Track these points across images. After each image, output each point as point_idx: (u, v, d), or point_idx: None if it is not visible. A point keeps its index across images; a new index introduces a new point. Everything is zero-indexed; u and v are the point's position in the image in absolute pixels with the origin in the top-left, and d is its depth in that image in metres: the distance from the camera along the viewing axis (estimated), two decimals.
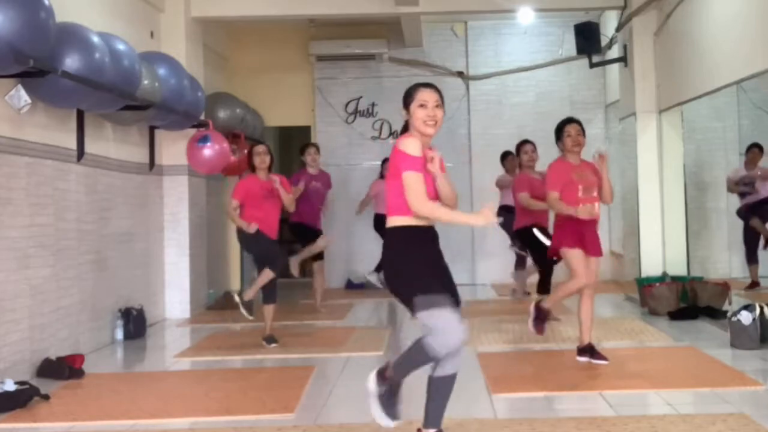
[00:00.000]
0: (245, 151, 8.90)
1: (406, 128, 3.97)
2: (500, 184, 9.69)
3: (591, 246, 6.02)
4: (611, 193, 6.09)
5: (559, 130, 6.17)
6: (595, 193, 6.02)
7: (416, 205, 3.73)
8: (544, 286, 7.90)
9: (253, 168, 7.17)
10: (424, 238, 3.85)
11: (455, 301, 3.77)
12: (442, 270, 3.86)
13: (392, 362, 3.91)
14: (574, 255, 6.01)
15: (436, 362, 3.81)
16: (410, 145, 3.78)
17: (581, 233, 5.98)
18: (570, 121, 6.19)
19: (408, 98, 3.91)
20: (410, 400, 5.25)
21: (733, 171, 10.05)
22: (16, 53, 5.15)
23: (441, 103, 3.89)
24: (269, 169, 7.18)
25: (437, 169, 3.84)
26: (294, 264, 8.91)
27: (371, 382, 3.91)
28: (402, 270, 3.80)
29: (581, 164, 6.11)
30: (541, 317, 6.33)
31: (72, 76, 5.88)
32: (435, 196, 3.85)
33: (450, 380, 3.86)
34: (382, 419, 3.89)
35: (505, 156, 9.87)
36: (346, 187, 12.12)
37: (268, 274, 7.05)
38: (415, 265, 3.78)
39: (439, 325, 3.67)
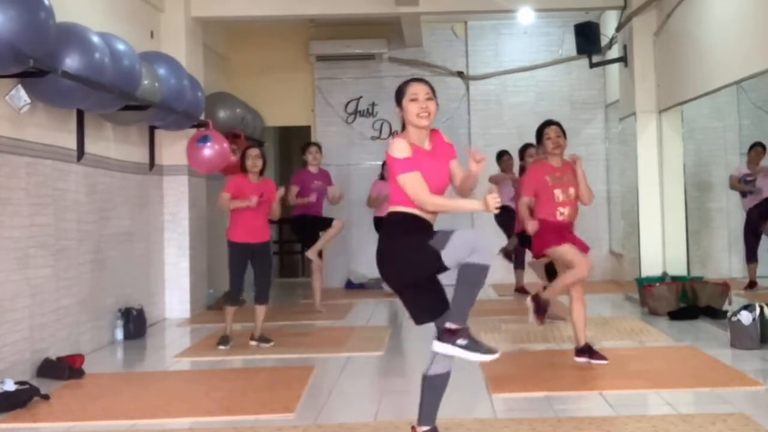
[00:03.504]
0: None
1: (405, 127, 3.97)
2: (494, 180, 9.53)
3: (573, 243, 6.03)
4: (589, 194, 6.06)
5: (539, 133, 6.18)
6: (572, 196, 6.04)
7: (421, 202, 3.78)
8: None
9: (245, 170, 7.14)
10: (421, 226, 3.84)
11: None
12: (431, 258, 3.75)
13: (450, 317, 3.83)
14: (565, 250, 6.01)
15: (431, 361, 3.85)
16: (396, 149, 3.80)
17: (561, 232, 6.01)
18: (549, 123, 6.20)
19: (399, 94, 3.93)
20: (410, 401, 5.26)
21: (736, 169, 10.05)
22: (16, 53, 5.15)
23: (432, 96, 3.90)
24: (261, 172, 7.17)
25: (477, 168, 3.92)
26: (313, 254, 8.94)
27: (443, 347, 3.78)
28: (395, 257, 3.80)
29: (563, 166, 6.11)
30: (542, 308, 6.29)
31: (72, 76, 5.87)
32: (437, 187, 3.85)
33: (445, 378, 3.90)
34: (487, 356, 3.80)
35: (500, 155, 9.80)
36: (346, 188, 12.10)
37: (261, 311, 7.17)
38: (407, 253, 3.77)
39: (467, 244, 3.66)
